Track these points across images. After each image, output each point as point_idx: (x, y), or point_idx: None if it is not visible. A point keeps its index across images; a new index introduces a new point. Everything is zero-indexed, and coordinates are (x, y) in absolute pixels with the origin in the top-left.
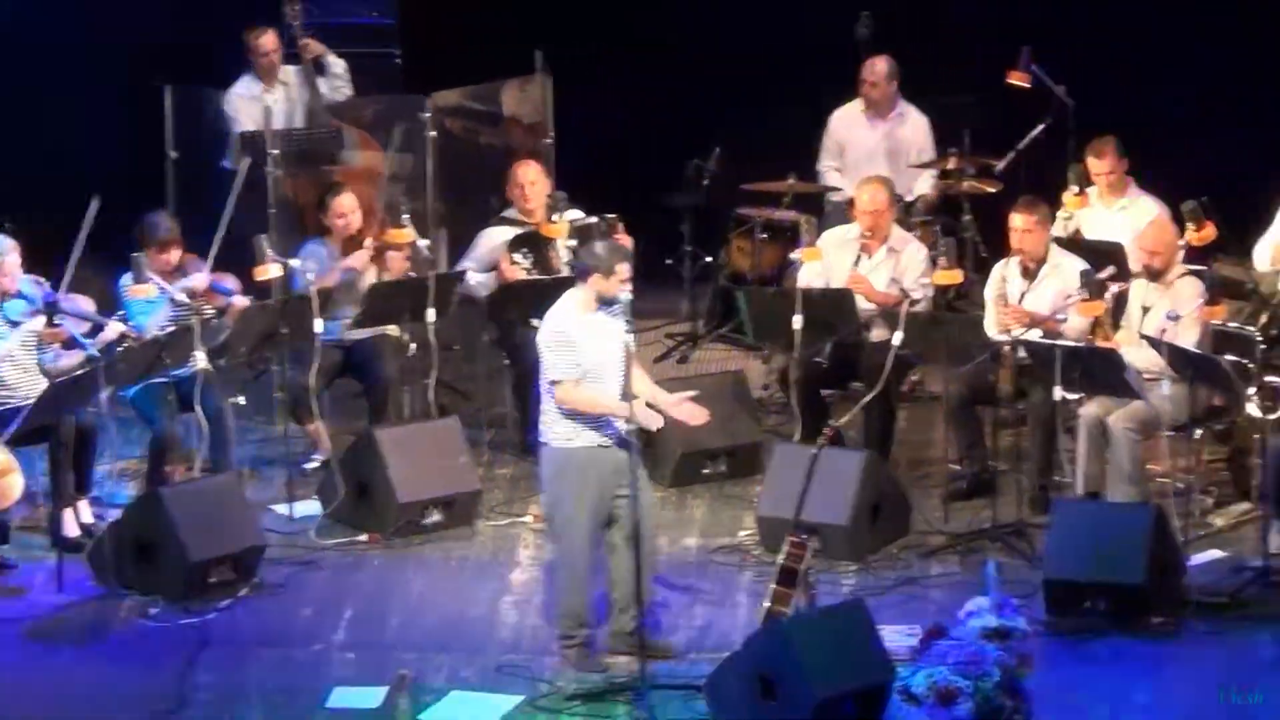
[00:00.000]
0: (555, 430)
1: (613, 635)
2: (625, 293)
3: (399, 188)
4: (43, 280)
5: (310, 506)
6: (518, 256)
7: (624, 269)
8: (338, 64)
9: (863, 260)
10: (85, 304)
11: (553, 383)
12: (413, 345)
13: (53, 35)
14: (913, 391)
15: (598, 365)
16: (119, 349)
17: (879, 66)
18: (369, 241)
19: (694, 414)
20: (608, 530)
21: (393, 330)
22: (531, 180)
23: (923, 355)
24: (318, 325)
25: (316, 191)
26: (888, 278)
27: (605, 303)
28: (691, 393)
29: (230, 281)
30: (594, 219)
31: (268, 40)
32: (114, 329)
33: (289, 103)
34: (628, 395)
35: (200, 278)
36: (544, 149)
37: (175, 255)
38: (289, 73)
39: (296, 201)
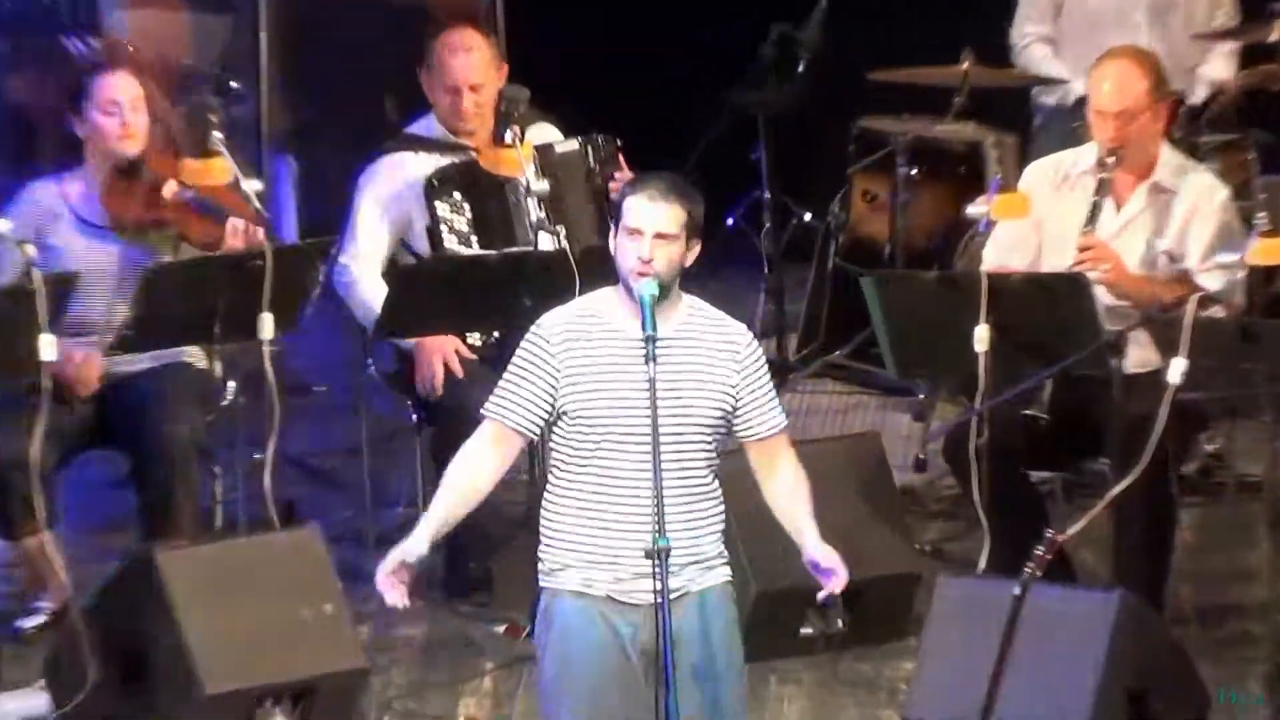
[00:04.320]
0: None
1: None
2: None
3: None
4: None
5: (28, 702)
6: (443, 206)
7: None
8: None
9: (1106, 212)
10: None
11: None
12: (231, 384)
13: None
14: (1209, 472)
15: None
16: None
17: None
18: None
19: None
20: None
21: (193, 353)
22: (469, 49)
23: (1229, 401)
24: (46, 347)
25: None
26: (1151, 243)
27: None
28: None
29: None
30: (575, 142)
31: None
32: None
33: None
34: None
35: None
36: (481, 9)
37: None
38: None
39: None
